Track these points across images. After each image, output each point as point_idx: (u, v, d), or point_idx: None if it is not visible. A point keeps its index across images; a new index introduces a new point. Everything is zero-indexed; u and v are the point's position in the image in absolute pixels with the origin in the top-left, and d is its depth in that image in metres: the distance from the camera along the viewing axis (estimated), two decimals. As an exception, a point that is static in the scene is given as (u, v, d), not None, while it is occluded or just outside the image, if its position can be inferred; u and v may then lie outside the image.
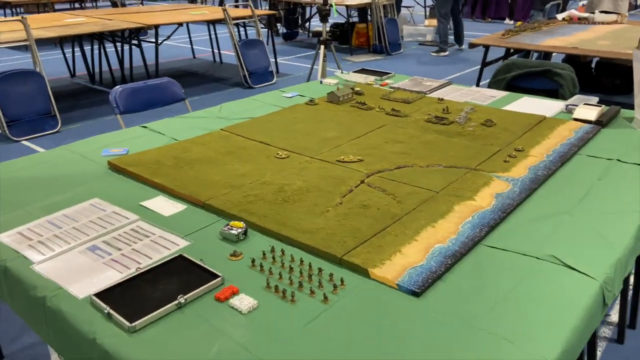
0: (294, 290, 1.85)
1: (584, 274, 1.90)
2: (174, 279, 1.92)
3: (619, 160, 2.96)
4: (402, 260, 1.99)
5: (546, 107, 3.97)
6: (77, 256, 2.04)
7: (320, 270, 1.94)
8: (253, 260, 2.01)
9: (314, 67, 6.99)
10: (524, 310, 1.67)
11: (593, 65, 7.70)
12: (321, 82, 4.85)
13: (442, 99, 4.09)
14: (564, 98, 5.04)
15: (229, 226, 2.23)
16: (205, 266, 1.98)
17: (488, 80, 5.46)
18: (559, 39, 6.10)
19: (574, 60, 7.78)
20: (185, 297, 1.79)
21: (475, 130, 3.42)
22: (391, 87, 4.55)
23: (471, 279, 1.90)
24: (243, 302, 1.77)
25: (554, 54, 7.50)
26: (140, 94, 4.50)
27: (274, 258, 2.04)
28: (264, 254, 2.07)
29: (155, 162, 2.96)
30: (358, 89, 4.41)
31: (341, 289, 1.85)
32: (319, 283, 1.88)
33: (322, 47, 6.59)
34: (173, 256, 2.06)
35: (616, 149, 3.12)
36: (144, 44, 9.00)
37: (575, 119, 3.65)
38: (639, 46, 4.82)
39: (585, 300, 1.68)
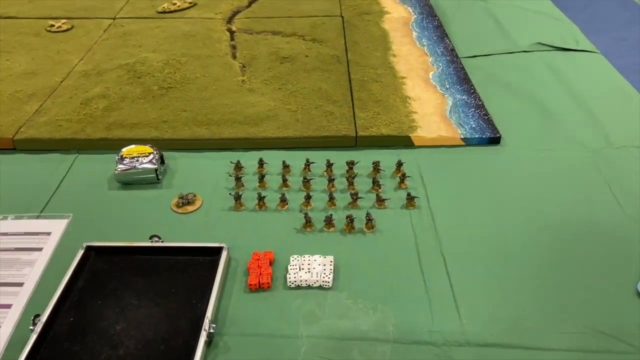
0: (353, 212, 1.08)
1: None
2: (140, 294, 0.90)
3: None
4: (424, 107, 1.37)
5: None
6: None
7: (352, 164, 1.18)
8: (237, 197, 1.09)
9: None
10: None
11: None
12: None
13: None
14: None
15: (127, 160, 1.16)
16: (172, 244, 0.99)
17: None
18: None
19: None
20: (209, 318, 0.85)
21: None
22: None
23: (505, 97, 1.44)
24: (309, 266, 0.93)
25: None
26: None
27: (261, 179, 1.15)
28: (237, 178, 1.15)
29: None
30: None
31: (408, 179, 1.16)
32: (373, 182, 1.14)
33: None
34: (73, 258, 0.96)
35: None
36: None
37: None
38: None
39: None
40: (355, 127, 1.29)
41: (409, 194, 1.09)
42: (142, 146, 1.20)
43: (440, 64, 1.57)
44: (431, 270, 0.96)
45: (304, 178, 1.14)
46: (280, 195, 1.10)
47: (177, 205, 1.10)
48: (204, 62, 1.59)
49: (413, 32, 1.77)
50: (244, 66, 1.58)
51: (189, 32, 1.77)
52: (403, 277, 0.94)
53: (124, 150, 1.19)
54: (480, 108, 1.36)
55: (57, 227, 1.07)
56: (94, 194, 1.15)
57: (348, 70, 1.54)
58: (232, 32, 1.80)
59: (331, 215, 1.04)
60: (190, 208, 1.10)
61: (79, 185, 1.17)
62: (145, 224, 1.06)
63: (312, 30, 1.78)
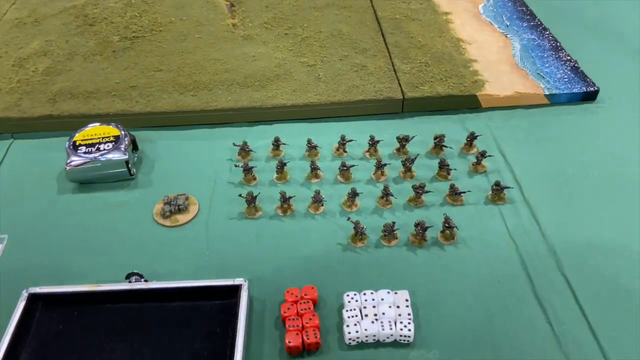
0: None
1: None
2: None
3: None
4: (486, 53, 1.02)
5: None
6: None
7: (405, 141, 0.84)
8: (251, 199, 0.75)
9: None
10: None
11: None
12: None
13: None
14: None
15: (83, 149, 0.80)
16: (162, 285, 0.65)
17: None
18: None
19: None
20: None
21: None
22: None
23: (583, 35, 1.10)
24: (376, 310, 0.61)
25: None
26: None
27: (280, 168, 0.81)
28: (247, 170, 0.80)
29: None
30: None
31: (489, 158, 0.82)
32: (441, 166, 0.81)
33: None
34: (12, 313, 0.62)
35: None
36: None
37: None
38: None
39: None
40: (400, 85, 0.94)
41: (497, 184, 0.76)
42: (103, 126, 0.83)
43: (489, -6, 1.21)
44: (555, 302, 0.65)
45: (343, 165, 0.80)
46: (313, 195, 0.76)
47: (163, 215, 0.76)
48: (177, 0, 1.19)
49: (444, -47, 1.39)
50: (232, 5, 1.19)
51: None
52: (516, 317, 0.63)
53: (78, 133, 0.82)
54: (559, 51, 1.02)
55: (-16, 258, 0.71)
56: (39, 201, 0.79)
57: (372, 5, 1.17)
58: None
59: (393, 223, 0.71)
60: (182, 218, 0.76)
61: (15, 188, 0.81)
62: (117, 249, 0.72)
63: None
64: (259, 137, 0.88)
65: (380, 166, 0.80)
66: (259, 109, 0.91)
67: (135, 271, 0.65)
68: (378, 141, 0.84)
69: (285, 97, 0.92)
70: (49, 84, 0.95)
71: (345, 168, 0.80)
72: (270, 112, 0.91)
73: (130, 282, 0.65)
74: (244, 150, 0.85)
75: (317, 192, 0.75)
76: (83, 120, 0.87)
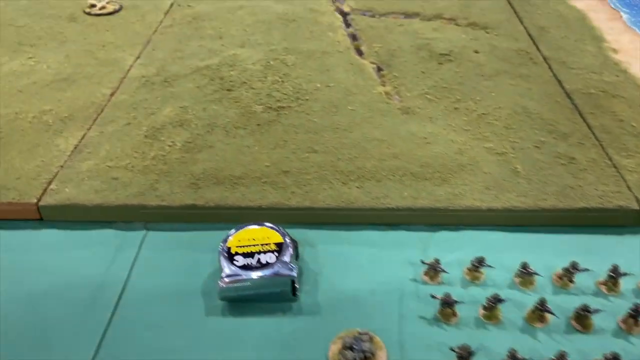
0: None
1: None
2: None
3: None
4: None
5: None
6: None
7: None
8: (465, 355, 0.55)
9: None
10: None
11: None
12: None
13: None
14: None
15: (241, 259, 0.63)
16: None
17: None
18: None
19: None
20: None
21: None
22: None
23: None
24: None
25: None
26: None
27: (491, 305, 0.61)
28: (447, 303, 0.61)
29: None
30: None
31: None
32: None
33: None
34: None
35: None
36: None
37: None
38: None
39: None
40: (630, 190, 0.72)
41: None
42: (261, 228, 0.67)
43: (700, 65, 0.99)
44: None
45: (584, 309, 0.59)
46: (557, 356, 0.55)
47: (343, 363, 0.57)
48: (320, 62, 1.04)
49: (620, 12, 1.18)
50: (379, 68, 1.03)
51: (286, 14, 1.22)
52: None
53: (232, 237, 0.66)
54: None
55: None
56: (172, 325, 0.62)
57: (554, 74, 0.97)
58: (344, 14, 1.25)
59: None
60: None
61: (147, 302, 0.65)
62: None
63: (466, 11, 1.21)
64: (445, 249, 0.69)
65: (636, 314, 0.59)
66: (444, 211, 0.72)
67: None
68: (625, 274, 0.62)
69: (478, 197, 0.73)
70: (189, 163, 0.80)
71: (583, 312, 0.59)
72: (458, 215, 0.72)
73: None
74: (434, 270, 0.66)
75: (562, 355, 0.54)
76: (229, 212, 0.71)
